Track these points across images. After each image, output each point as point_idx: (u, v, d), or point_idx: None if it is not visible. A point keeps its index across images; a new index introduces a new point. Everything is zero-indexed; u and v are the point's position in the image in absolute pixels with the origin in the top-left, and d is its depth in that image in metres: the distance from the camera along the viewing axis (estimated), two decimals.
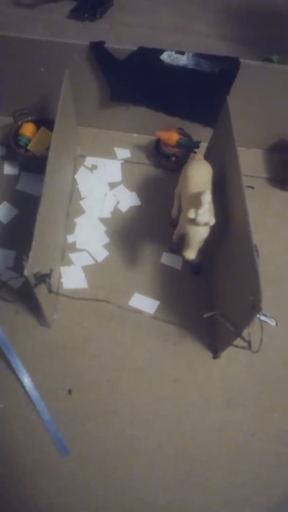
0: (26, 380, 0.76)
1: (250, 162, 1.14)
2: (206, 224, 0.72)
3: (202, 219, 0.71)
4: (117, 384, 0.79)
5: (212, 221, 0.72)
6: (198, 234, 0.73)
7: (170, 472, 0.73)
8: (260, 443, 0.77)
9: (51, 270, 0.71)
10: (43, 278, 0.68)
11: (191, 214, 0.72)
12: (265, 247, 0.99)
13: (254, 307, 0.65)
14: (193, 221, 0.72)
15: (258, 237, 1.00)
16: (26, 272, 0.64)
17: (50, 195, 0.79)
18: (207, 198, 0.72)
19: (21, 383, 0.76)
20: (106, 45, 0.94)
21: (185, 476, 0.73)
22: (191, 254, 0.74)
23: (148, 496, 0.71)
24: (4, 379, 0.77)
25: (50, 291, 0.70)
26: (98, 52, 0.95)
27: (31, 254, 0.65)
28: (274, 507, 0.72)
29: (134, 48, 0.95)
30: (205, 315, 0.73)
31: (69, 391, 0.77)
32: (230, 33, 1.47)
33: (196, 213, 0.71)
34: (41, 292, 0.71)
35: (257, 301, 0.65)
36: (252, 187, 1.09)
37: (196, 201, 0.74)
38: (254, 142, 1.15)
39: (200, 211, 0.71)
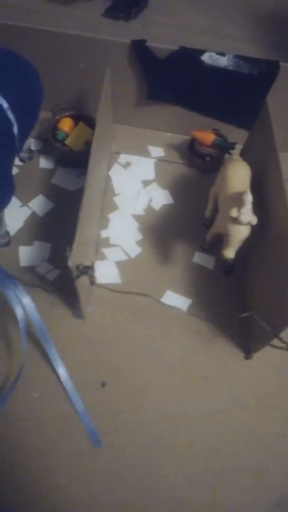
0: (62, 371, 0.76)
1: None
2: (248, 223, 0.72)
3: (245, 218, 0.72)
4: (148, 380, 0.80)
5: (255, 220, 0.73)
6: (240, 233, 0.73)
7: (200, 470, 0.73)
8: None
9: (93, 262, 0.72)
10: (86, 270, 0.69)
11: (234, 213, 0.72)
12: None
13: None
14: (236, 220, 0.72)
15: None
16: (70, 263, 0.64)
17: (91, 190, 0.80)
18: (249, 198, 0.73)
19: (56, 374, 0.77)
20: (147, 44, 0.95)
21: (214, 474, 0.73)
22: (230, 253, 0.75)
23: (178, 493, 0.71)
24: (40, 369, 0.77)
25: (92, 283, 0.71)
26: (140, 50, 0.96)
27: (74, 245, 0.65)
28: None
29: (175, 47, 0.95)
30: (242, 315, 0.74)
31: (103, 384, 0.78)
32: (260, 37, 1.46)
33: (239, 212, 0.72)
34: (80, 284, 0.72)
35: None
36: None
37: (237, 201, 0.74)
38: None
39: (243, 210, 0.71)
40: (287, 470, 0.74)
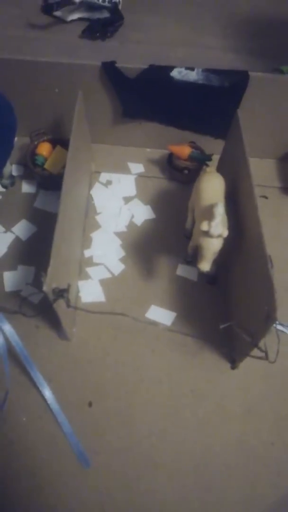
0: (47, 393, 0.77)
1: (263, 172, 1.15)
2: (219, 236, 0.73)
3: (215, 231, 0.73)
4: (136, 396, 0.80)
5: (225, 233, 0.74)
6: (212, 246, 0.74)
7: (190, 483, 0.73)
8: (280, 453, 0.77)
9: (69, 285, 0.73)
10: (61, 293, 0.70)
11: (204, 226, 0.73)
12: (280, 256, 0.99)
13: (269, 318, 0.66)
14: (207, 233, 0.74)
15: (273, 246, 1.00)
16: (45, 288, 0.66)
17: (67, 212, 0.81)
18: (219, 210, 0.74)
19: (42, 396, 0.78)
20: (117, 65, 0.97)
21: (205, 487, 0.73)
22: (205, 266, 0.76)
23: (169, 509, 0.71)
24: (26, 393, 0.79)
25: (68, 305, 0.72)
26: (110, 72, 0.98)
27: (49, 270, 0.67)
28: None
29: (145, 66, 0.97)
30: (221, 326, 0.74)
31: (90, 404, 0.79)
32: (239, 45, 1.48)
33: (209, 225, 0.73)
34: (59, 307, 0.73)
35: (272, 311, 0.65)
36: (266, 197, 1.10)
37: (209, 214, 0.75)
38: (267, 152, 1.16)
39: (213, 223, 0.73)
40: (278, 479, 0.74)
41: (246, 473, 0.75)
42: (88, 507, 0.70)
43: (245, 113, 1.01)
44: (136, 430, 0.77)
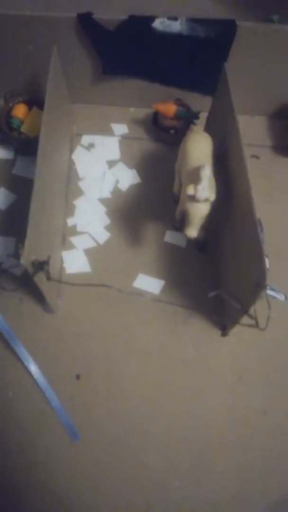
0: (33, 368, 0.75)
1: (254, 130, 1.09)
2: (206, 200, 0.69)
3: (202, 195, 0.68)
4: (125, 367, 0.78)
5: (212, 197, 0.69)
6: (199, 211, 0.70)
7: (181, 453, 0.73)
8: (272, 421, 0.76)
9: (49, 257, 0.69)
10: (41, 265, 0.67)
11: (190, 190, 0.69)
12: (272, 219, 0.95)
13: (259, 284, 0.63)
14: (193, 198, 0.69)
15: (264, 208, 0.97)
16: (22, 261, 0.62)
17: (45, 178, 0.77)
18: (206, 173, 0.69)
19: (28, 371, 0.76)
20: (94, 16, 0.89)
21: (197, 456, 0.73)
22: (192, 232, 0.72)
23: (160, 478, 0.71)
24: (12, 368, 0.77)
25: (48, 278, 0.69)
26: (87, 24, 0.90)
27: (26, 241, 0.63)
28: (285, 482, 0.71)
29: (124, 17, 0.90)
30: (210, 294, 0.72)
31: (77, 377, 0.77)
32: None
33: (196, 189, 0.69)
34: (41, 279, 0.70)
35: (262, 278, 0.62)
36: (257, 157, 1.05)
37: (195, 177, 0.71)
38: (257, 109, 1.10)
39: (199, 187, 0.68)
40: (270, 446, 0.74)
41: (238, 442, 0.74)
42: (78, 480, 0.69)
43: (233, 67, 0.94)
44: (125, 402, 0.76)
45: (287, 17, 1.15)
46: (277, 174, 1.03)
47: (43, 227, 0.76)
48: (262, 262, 0.62)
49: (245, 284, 0.69)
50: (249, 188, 0.69)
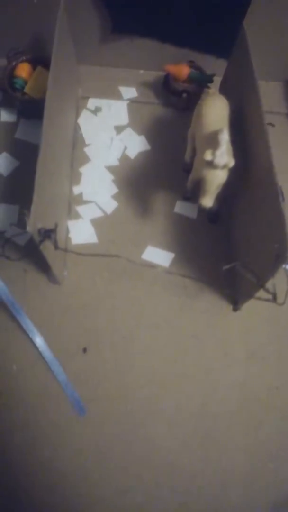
0: (38, 340, 0.73)
1: (270, 96, 1.04)
2: (225, 166, 0.65)
3: (221, 160, 0.64)
4: (133, 342, 0.76)
5: (232, 162, 0.65)
6: (216, 178, 0.66)
7: (191, 430, 0.71)
8: (284, 397, 0.73)
9: (56, 225, 0.65)
10: (48, 233, 0.63)
11: (208, 156, 0.64)
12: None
13: (280, 257, 0.59)
14: (211, 164, 0.65)
15: (281, 179, 0.93)
16: (28, 228, 0.58)
17: (51, 143, 0.72)
18: (225, 137, 0.65)
19: (33, 344, 0.73)
20: None
21: (206, 433, 0.71)
22: (208, 201, 0.68)
23: (169, 456, 0.69)
24: (16, 340, 0.74)
25: (56, 247, 0.65)
26: None
27: (32, 208, 0.59)
28: None
29: None
30: (225, 267, 0.68)
31: (84, 350, 0.74)
32: None
33: (214, 154, 0.64)
34: (47, 249, 0.66)
35: (283, 249, 0.58)
36: (273, 125, 0.99)
37: (212, 142, 0.66)
38: (274, 74, 1.04)
39: (218, 152, 0.64)
40: (281, 423, 0.72)
41: (248, 418, 0.72)
42: (85, 457, 0.68)
43: (250, 28, 0.88)
44: (133, 378, 0.73)
45: None
46: None
47: (49, 194, 0.72)
48: (284, 232, 0.58)
49: (263, 256, 0.65)
50: (270, 155, 0.65)
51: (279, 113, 1.01)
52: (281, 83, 1.06)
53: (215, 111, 0.74)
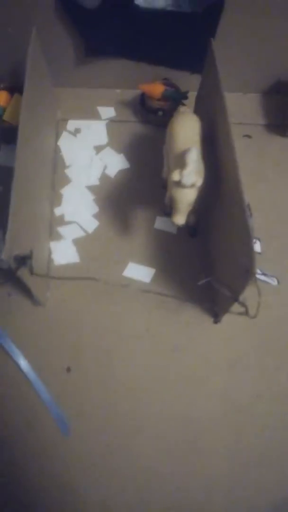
0: (23, 362, 0.75)
1: (247, 108, 1.06)
2: (192, 185, 0.67)
3: (188, 180, 0.66)
4: (116, 357, 0.78)
5: (199, 182, 0.67)
6: (185, 197, 0.68)
7: (174, 440, 0.72)
8: (266, 405, 0.75)
9: (32, 251, 0.67)
10: (23, 260, 0.65)
11: (176, 176, 0.66)
12: (266, 199, 0.93)
13: (248, 271, 0.61)
14: (179, 184, 0.67)
15: (258, 188, 0.95)
16: (3, 256, 0.60)
17: (27, 167, 0.74)
18: (192, 157, 0.67)
19: (17, 366, 0.75)
20: None
21: (189, 442, 0.72)
22: (180, 219, 0.70)
23: (153, 466, 0.70)
24: (1, 363, 0.76)
25: (32, 273, 0.67)
26: (66, 4, 0.86)
27: (8, 235, 0.61)
28: (283, 466, 0.71)
29: None
30: (200, 282, 0.70)
31: (68, 369, 0.76)
32: None
33: (181, 174, 0.66)
34: (25, 274, 0.68)
35: (251, 265, 0.60)
36: (249, 136, 1.02)
37: (181, 161, 0.68)
38: (250, 86, 1.06)
39: (185, 172, 0.66)
40: (264, 431, 0.73)
41: (231, 427, 0.73)
42: (71, 475, 0.69)
43: (222, 42, 0.90)
44: (117, 392, 0.75)
45: None
46: (270, 153, 1.00)
47: (27, 218, 0.74)
48: (250, 249, 0.60)
49: (235, 270, 0.67)
50: (237, 171, 0.66)
51: (257, 124, 1.03)
52: (258, 94, 1.08)
53: (185, 130, 0.76)
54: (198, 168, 0.70)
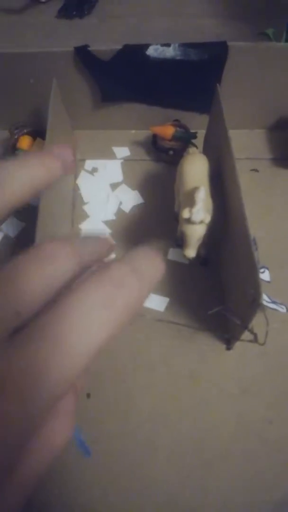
0: None
1: (254, 144, 1.12)
2: (201, 222, 0.72)
3: (197, 218, 0.71)
4: (133, 383, 0.82)
5: (207, 219, 0.72)
6: (195, 233, 0.73)
7: (189, 464, 0.75)
8: (278, 430, 0.77)
9: None
10: None
11: (186, 214, 0.72)
12: (274, 231, 0.98)
13: (255, 301, 0.65)
14: (189, 220, 0.72)
15: (267, 220, 1.00)
16: None
17: (49, 206, 0.81)
18: (200, 196, 0.72)
19: None
20: (90, 48, 0.94)
21: (204, 467, 0.75)
22: (190, 252, 0.75)
23: (170, 489, 0.73)
24: None
25: None
26: (83, 56, 0.95)
27: None
28: None
29: (119, 46, 0.94)
30: (210, 312, 0.74)
31: (88, 395, 0.80)
32: (223, 10, 1.42)
33: (190, 212, 0.72)
34: None
35: (257, 295, 0.65)
36: (257, 170, 1.07)
37: (190, 199, 0.74)
38: (256, 123, 1.13)
39: (194, 210, 0.71)
40: (276, 455, 0.76)
41: (244, 452, 0.76)
42: (90, 495, 0.73)
43: (229, 84, 0.99)
44: (134, 418, 0.79)
45: (280, 29, 1.19)
46: (278, 186, 1.05)
47: None
48: (256, 280, 0.65)
49: (243, 300, 0.72)
50: (242, 208, 0.72)
51: (264, 159, 1.09)
52: (264, 130, 1.14)
53: (194, 170, 0.82)
54: (207, 205, 0.75)
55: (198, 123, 1.06)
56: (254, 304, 0.66)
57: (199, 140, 1.05)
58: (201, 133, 1.04)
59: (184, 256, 0.76)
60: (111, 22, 1.42)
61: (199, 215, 0.71)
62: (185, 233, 0.74)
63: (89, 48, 0.94)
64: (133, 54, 0.95)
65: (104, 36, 1.35)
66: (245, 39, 1.07)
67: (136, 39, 0.96)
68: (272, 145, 1.11)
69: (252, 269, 0.67)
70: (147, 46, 0.94)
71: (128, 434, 0.78)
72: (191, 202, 0.73)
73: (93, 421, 0.78)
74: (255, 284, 0.65)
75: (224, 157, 0.83)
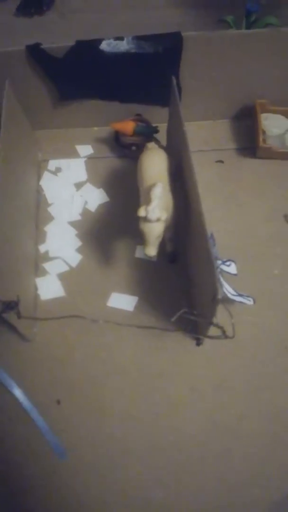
0: (17, 392, 0.78)
1: (218, 134, 1.10)
2: (158, 220, 0.71)
3: (152, 216, 0.70)
4: (104, 387, 0.81)
5: (164, 216, 0.71)
6: (153, 230, 0.72)
7: (164, 466, 0.75)
8: (252, 425, 0.77)
9: (18, 298, 0.71)
10: (11, 305, 0.69)
11: (141, 212, 0.71)
12: (240, 221, 0.97)
13: (214, 299, 0.64)
14: (145, 218, 0.71)
15: (233, 211, 0.99)
16: None
17: (8, 211, 0.79)
18: (156, 193, 0.71)
19: (13, 397, 0.78)
20: (43, 46, 0.91)
21: (179, 468, 0.75)
22: (151, 250, 0.73)
23: (145, 493, 0.73)
24: None
25: (19, 317, 0.71)
26: (36, 55, 0.92)
27: None
28: (272, 486, 0.73)
29: (71, 43, 0.91)
30: (172, 319, 0.72)
31: (58, 402, 0.79)
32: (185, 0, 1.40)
33: (146, 210, 0.70)
34: (12, 316, 0.72)
35: (216, 292, 0.63)
36: (222, 161, 1.06)
37: (147, 196, 0.73)
38: (219, 113, 1.11)
39: (149, 208, 0.70)
40: (252, 451, 0.75)
41: (219, 449, 0.76)
42: (66, 502, 0.72)
43: (187, 75, 0.97)
44: (107, 422, 0.78)
45: (239, 18, 1.17)
46: (242, 176, 1.04)
47: (11, 261, 0.78)
48: (214, 278, 0.63)
49: (205, 297, 0.71)
50: (199, 203, 0.70)
51: (228, 149, 1.08)
52: (228, 120, 1.12)
53: (152, 166, 0.81)
54: (166, 202, 0.74)
55: (161, 117, 1.04)
56: (214, 300, 0.65)
57: (162, 134, 1.03)
58: (163, 127, 1.02)
59: (145, 255, 0.74)
60: (72, 18, 1.39)
61: (154, 213, 0.70)
62: (143, 232, 0.72)
63: (42, 46, 0.91)
64: (86, 50, 0.92)
65: (65, 32, 1.32)
66: (206, 27, 1.05)
67: (98, 34, 0.93)
68: (236, 135, 1.10)
69: (210, 267, 0.65)
70: (100, 41, 0.92)
71: (101, 439, 0.77)
72: (148, 200, 0.71)
73: (64, 429, 0.77)
74: (213, 282, 0.64)
75: (182, 152, 0.82)
